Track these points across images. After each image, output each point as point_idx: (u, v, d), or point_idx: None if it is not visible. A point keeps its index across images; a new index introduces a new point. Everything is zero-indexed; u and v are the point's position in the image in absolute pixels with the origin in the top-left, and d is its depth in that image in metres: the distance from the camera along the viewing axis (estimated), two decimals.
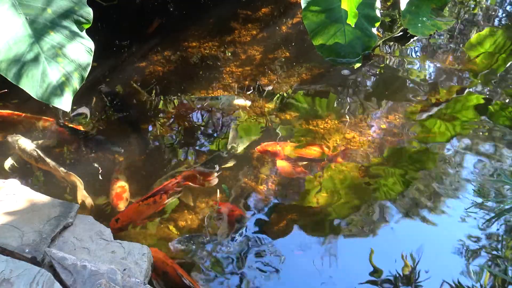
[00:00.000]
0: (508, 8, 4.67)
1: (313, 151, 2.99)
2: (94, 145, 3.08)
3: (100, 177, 2.90)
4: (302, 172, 2.88)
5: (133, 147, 3.11)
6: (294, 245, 2.55)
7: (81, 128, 3.19)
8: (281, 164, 2.92)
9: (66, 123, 3.20)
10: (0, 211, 2.24)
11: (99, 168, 2.95)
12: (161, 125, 3.29)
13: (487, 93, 3.53)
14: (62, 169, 2.83)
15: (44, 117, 3.21)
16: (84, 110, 3.30)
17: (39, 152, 2.90)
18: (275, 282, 2.37)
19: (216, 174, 2.85)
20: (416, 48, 4.09)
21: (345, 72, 3.68)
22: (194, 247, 2.51)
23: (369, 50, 3.61)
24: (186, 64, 3.86)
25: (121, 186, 2.77)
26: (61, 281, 1.93)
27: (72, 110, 3.19)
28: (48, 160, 2.87)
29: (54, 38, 2.40)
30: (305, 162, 2.95)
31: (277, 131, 3.21)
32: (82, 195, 2.73)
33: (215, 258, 2.47)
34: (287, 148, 2.99)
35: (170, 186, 2.73)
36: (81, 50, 2.47)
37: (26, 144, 2.96)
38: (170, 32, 4.16)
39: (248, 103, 3.37)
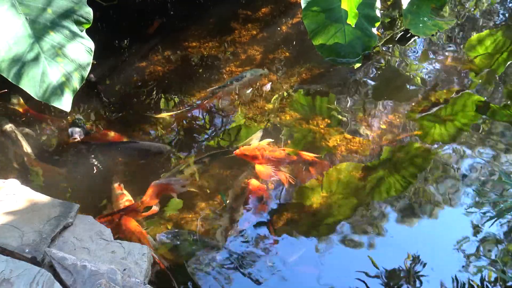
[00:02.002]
0: (508, 7, 4.67)
1: (294, 156, 2.93)
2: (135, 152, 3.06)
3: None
4: (288, 181, 2.84)
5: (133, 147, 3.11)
6: (293, 246, 2.55)
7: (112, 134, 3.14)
8: (259, 168, 2.87)
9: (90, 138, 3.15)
10: (0, 211, 2.24)
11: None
12: (161, 125, 3.29)
13: (487, 93, 3.53)
14: (32, 155, 2.90)
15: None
16: (77, 116, 3.26)
17: (17, 134, 2.95)
18: (274, 282, 2.37)
19: (182, 186, 2.77)
20: (416, 48, 4.09)
21: (353, 76, 3.69)
22: (178, 242, 2.50)
23: (369, 50, 3.61)
24: (186, 64, 3.86)
25: (128, 200, 2.72)
26: (61, 281, 1.93)
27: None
28: (24, 143, 2.93)
29: (54, 38, 2.40)
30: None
31: (278, 131, 3.22)
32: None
33: (211, 259, 2.48)
34: (266, 152, 2.94)
35: (132, 207, 2.66)
36: (81, 50, 2.47)
37: (5, 126, 3.01)
38: (170, 32, 4.16)
39: (266, 71, 3.51)
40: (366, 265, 2.41)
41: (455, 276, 2.35)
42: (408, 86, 3.67)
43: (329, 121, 3.25)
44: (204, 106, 3.39)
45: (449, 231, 2.60)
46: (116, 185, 2.78)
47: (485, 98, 3.46)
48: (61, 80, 2.38)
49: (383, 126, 3.25)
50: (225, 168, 2.96)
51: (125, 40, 4.09)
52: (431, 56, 3.99)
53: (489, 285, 2.33)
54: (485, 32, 4.13)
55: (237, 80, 3.44)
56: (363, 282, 2.34)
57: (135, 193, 2.80)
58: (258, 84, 3.58)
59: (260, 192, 2.76)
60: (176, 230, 2.57)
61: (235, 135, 3.24)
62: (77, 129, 3.03)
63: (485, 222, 2.59)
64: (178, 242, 2.50)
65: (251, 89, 3.45)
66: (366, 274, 2.37)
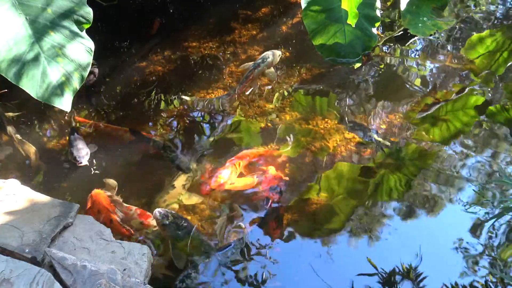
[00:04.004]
0: (508, 8, 4.67)
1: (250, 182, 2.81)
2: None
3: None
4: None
5: (133, 147, 3.11)
6: (293, 245, 2.55)
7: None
8: (272, 171, 2.85)
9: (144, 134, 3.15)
10: (0, 211, 2.24)
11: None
12: (161, 125, 3.29)
13: (487, 93, 3.53)
14: (17, 136, 2.97)
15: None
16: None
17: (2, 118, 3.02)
18: (273, 282, 2.37)
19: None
20: (416, 48, 4.09)
21: (353, 76, 3.70)
22: (167, 222, 2.50)
23: (369, 50, 3.61)
24: (186, 64, 3.86)
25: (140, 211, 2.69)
26: (61, 281, 1.93)
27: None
28: (9, 127, 3.01)
29: (54, 38, 2.40)
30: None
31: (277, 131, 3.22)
32: (37, 162, 2.88)
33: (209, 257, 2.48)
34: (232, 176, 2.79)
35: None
36: (81, 50, 2.47)
37: (8, 127, 3.05)
38: (170, 32, 4.16)
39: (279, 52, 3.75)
40: (366, 265, 2.41)
41: (456, 277, 2.35)
42: (408, 86, 3.67)
43: (329, 121, 3.25)
44: (241, 91, 3.49)
45: (449, 231, 2.60)
46: (126, 205, 2.70)
47: (485, 98, 3.46)
48: (61, 80, 2.38)
49: (383, 126, 3.25)
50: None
51: (125, 40, 4.09)
52: (431, 56, 3.99)
53: (489, 285, 2.33)
54: (485, 32, 4.13)
55: (263, 61, 3.58)
56: (363, 282, 2.34)
57: (134, 194, 2.80)
58: (258, 83, 3.59)
59: (276, 181, 2.78)
60: (174, 212, 2.57)
61: (234, 135, 3.24)
62: (83, 152, 2.89)
63: (485, 222, 2.59)
64: (167, 221, 2.49)
65: (273, 69, 3.65)
66: (366, 274, 2.37)
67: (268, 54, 3.65)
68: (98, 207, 2.59)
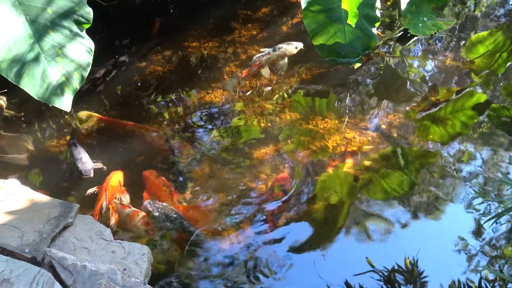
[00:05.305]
0: (508, 8, 4.67)
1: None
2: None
3: None
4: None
5: (133, 147, 3.11)
6: (293, 245, 2.55)
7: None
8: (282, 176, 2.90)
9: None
10: (0, 211, 2.24)
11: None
12: (160, 124, 3.29)
13: (487, 93, 3.53)
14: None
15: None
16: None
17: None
18: (272, 281, 2.37)
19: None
20: (416, 48, 4.09)
21: (353, 76, 3.70)
22: (157, 214, 2.54)
23: (369, 50, 3.61)
24: (186, 64, 3.86)
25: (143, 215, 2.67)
26: (61, 281, 1.93)
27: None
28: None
29: (54, 38, 2.40)
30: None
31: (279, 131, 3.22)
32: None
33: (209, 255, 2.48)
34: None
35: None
36: (81, 50, 2.47)
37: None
38: (170, 32, 4.16)
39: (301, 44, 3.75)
40: (365, 266, 2.41)
41: (456, 276, 2.35)
42: (408, 86, 3.67)
43: (329, 121, 3.25)
44: (246, 73, 3.55)
45: (450, 231, 2.60)
46: (126, 206, 2.69)
47: (485, 98, 3.46)
48: (61, 80, 2.38)
49: (383, 126, 3.25)
50: (220, 171, 2.96)
51: (125, 40, 4.09)
52: (431, 56, 3.99)
53: (488, 285, 2.33)
54: (485, 32, 4.13)
55: (274, 50, 3.65)
56: (364, 283, 2.34)
57: (134, 194, 2.80)
58: (258, 84, 3.59)
59: (284, 181, 2.82)
60: (164, 204, 2.58)
61: (234, 134, 3.24)
62: (88, 166, 2.86)
63: (485, 222, 2.59)
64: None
65: (287, 59, 3.69)
66: (366, 275, 2.37)
67: (282, 45, 3.70)
68: (104, 183, 2.68)
